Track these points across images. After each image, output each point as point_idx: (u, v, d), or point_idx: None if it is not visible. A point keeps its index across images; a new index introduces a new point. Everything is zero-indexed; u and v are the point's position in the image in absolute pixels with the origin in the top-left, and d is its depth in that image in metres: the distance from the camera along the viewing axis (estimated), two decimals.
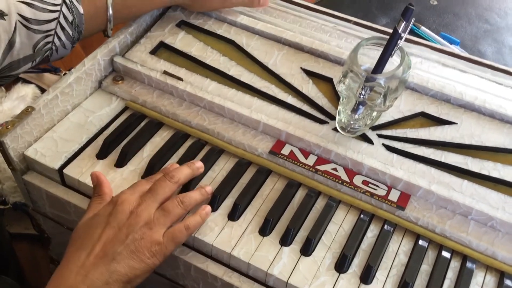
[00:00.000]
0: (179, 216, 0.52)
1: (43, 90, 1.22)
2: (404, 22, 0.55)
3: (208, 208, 0.54)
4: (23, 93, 1.19)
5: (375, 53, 0.58)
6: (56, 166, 0.58)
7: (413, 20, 0.56)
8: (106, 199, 0.52)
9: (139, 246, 0.48)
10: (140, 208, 0.50)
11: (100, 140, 0.60)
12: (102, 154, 0.59)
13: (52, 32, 0.58)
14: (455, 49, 0.88)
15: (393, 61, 0.57)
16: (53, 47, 0.60)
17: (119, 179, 0.57)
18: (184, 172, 0.54)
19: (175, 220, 0.51)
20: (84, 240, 0.49)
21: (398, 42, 0.56)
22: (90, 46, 1.33)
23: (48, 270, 0.98)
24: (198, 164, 0.56)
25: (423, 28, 1.01)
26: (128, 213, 0.49)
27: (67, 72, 1.29)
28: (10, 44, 0.55)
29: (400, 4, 1.08)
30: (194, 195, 0.53)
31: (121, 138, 0.61)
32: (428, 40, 0.82)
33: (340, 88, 0.57)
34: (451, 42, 1.00)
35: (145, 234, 0.48)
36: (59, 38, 0.59)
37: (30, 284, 0.97)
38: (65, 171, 0.57)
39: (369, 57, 0.59)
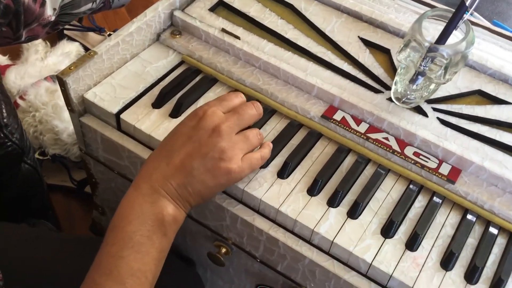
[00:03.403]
0: (255, 147, 0.52)
1: (87, 49, 1.24)
2: None
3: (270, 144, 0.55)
4: (68, 50, 1.21)
5: (437, 27, 0.57)
6: (114, 110, 0.59)
7: None
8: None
9: (216, 166, 0.49)
10: (223, 128, 0.49)
11: (156, 90, 0.61)
12: (158, 104, 0.60)
13: None
14: None
15: (455, 37, 0.56)
16: None
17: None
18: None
19: (251, 150, 0.52)
20: (167, 149, 0.50)
21: (464, 16, 0.55)
22: (136, 9, 1.35)
23: (83, 221, 1.01)
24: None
25: (475, 14, 0.99)
26: (210, 131, 0.49)
27: (111, 32, 1.31)
28: None
29: None
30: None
31: (177, 90, 0.62)
32: None
33: (400, 57, 0.57)
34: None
35: (224, 155, 0.49)
36: None
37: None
38: (122, 116, 0.59)
39: (429, 31, 0.58)
